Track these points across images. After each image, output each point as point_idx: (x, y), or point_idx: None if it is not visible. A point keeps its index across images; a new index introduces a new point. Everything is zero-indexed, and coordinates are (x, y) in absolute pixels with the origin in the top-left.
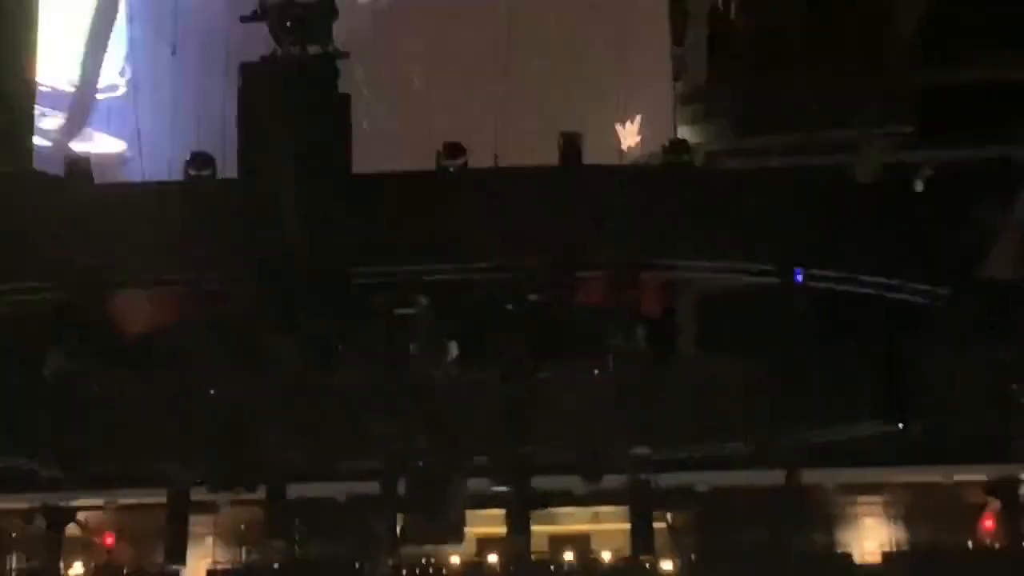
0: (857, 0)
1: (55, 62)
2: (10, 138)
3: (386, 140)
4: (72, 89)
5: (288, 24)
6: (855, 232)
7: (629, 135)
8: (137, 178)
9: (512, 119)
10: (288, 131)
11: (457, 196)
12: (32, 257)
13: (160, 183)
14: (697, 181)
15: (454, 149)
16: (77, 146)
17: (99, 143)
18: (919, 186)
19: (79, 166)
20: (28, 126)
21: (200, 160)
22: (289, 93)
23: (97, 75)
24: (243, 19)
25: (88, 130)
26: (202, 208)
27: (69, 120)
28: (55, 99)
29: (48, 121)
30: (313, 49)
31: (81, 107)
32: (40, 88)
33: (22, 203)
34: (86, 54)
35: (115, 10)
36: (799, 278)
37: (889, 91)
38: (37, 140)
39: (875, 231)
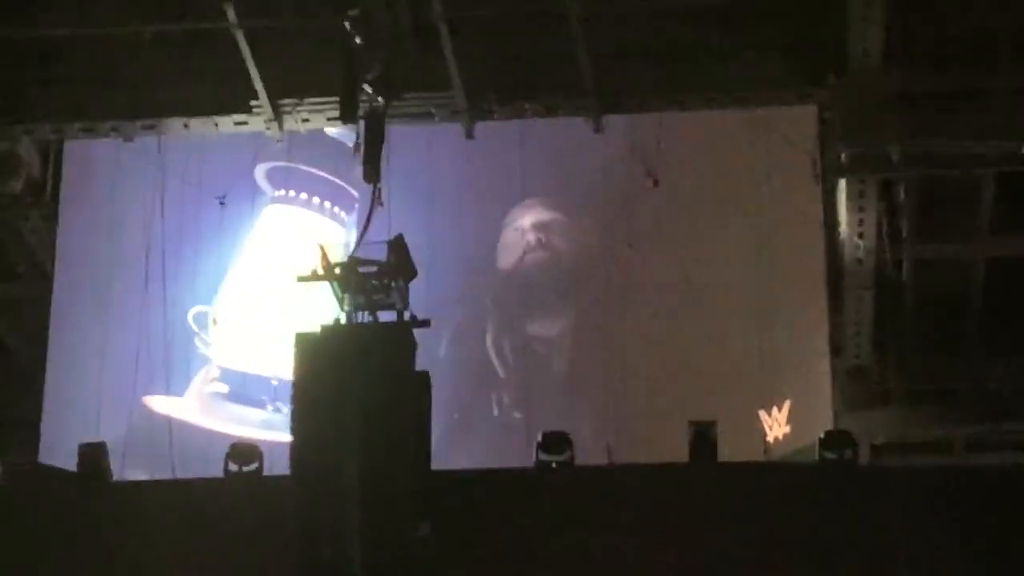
0: None
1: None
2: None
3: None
4: None
5: (353, 286)
6: None
7: (776, 424)
8: None
9: (631, 403)
10: (351, 416)
11: (560, 499)
12: (35, 570)
13: (192, 481)
14: (862, 483)
15: (557, 441)
16: None
17: None
18: None
19: (94, 457)
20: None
21: (244, 453)
22: (353, 369)
23: None
24: (299, 279)
25: None
26: (243, 512)
27: None
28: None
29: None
30: (385, 317)
31: None
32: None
33: (24, 503)
34: None
35: None
36: None
37: None
38: (261, 435)
39: None
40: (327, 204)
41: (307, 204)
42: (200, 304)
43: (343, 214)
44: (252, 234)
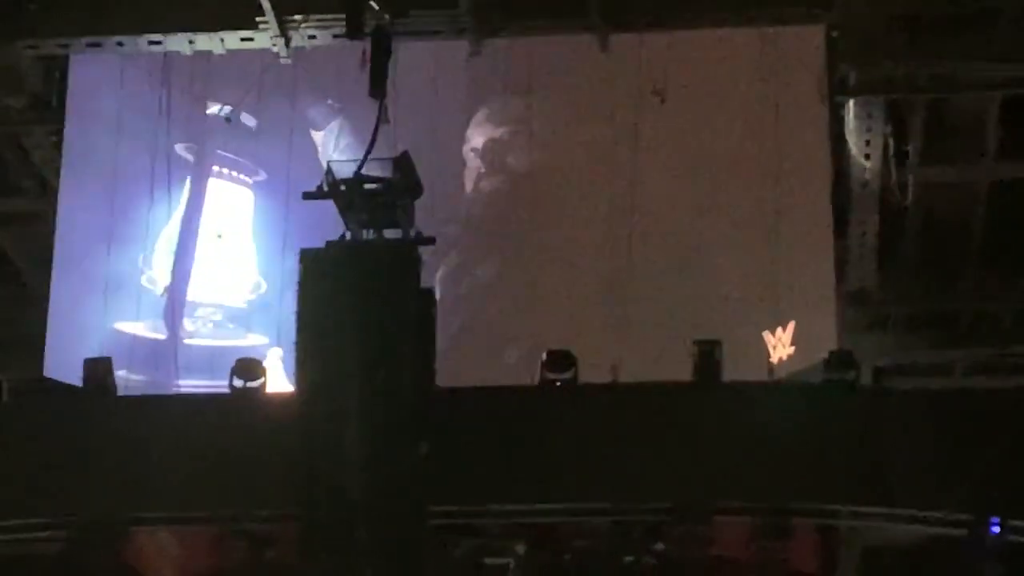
0: None
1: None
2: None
3: (482, 346)
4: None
5: (358, 203)
6: None
7: (780, 345)
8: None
9: (635, 324)
10: (355, 333)
11: (564, 418)
12: (39, 486)
13: (197, 396)
14: (865, 404)
15: (561, 359)
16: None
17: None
18: None
19: (99, 371)
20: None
21: (247, 369)
22: (358, 286)
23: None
24: (306, 196)
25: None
26: (247, 428)
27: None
28: None
29: None
30: (391, 234)
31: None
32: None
33: (29, 419)
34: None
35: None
36: (994, 530)
37: None
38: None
39: None
40: (233, 173)
41: (228, 177)
42: None
43: (245, 177)
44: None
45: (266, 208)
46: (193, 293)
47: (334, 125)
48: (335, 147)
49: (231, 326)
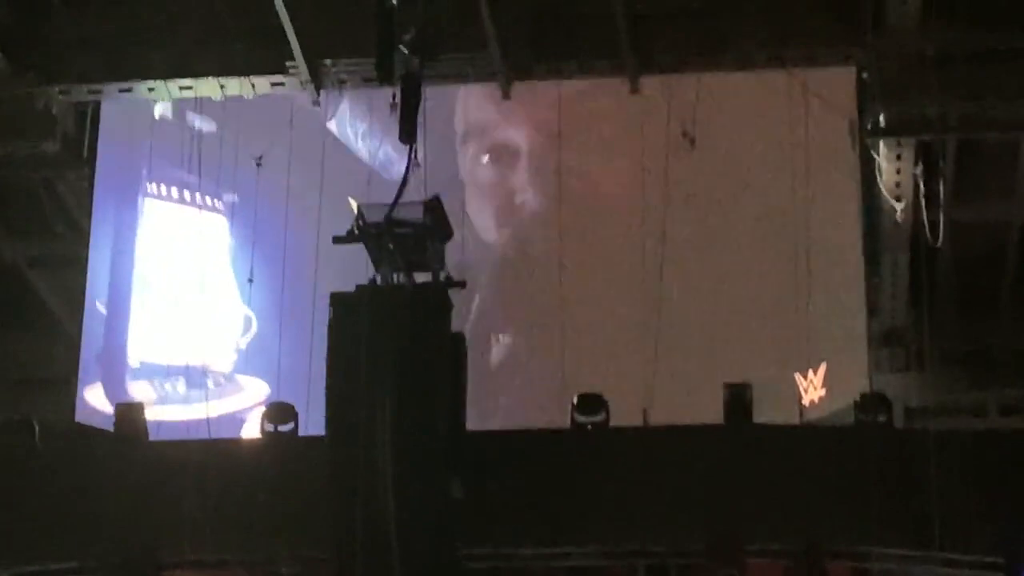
0: None
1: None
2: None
3: (515, 390)
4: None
5: (390, 247)
6: None
7: (811, 387)
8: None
9: (666, 367)
10: (386, 377)
11: (596, 460)
12: (71, 529)
13: (231, 440)
14: (897, 446)
15: (592, 402)
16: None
17: (247, 387)
18: None
19: (131, 416)
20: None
21: (280, 412)
22: (389, 330)
23: None
24: (336, 240)
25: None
26: (279, 471)
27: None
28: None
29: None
30: (421, 277)
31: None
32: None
33: (61, 461)
34: None
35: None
36: None
37: None
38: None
39: None
40: (199, 197)
41: (181, 200)
42: None
43: (214, 201)
44: (142, 227)
45: (243, 234)
46: (158, 354)
47: (343, 109)
48: (356, 136)
49: (214, 386)
